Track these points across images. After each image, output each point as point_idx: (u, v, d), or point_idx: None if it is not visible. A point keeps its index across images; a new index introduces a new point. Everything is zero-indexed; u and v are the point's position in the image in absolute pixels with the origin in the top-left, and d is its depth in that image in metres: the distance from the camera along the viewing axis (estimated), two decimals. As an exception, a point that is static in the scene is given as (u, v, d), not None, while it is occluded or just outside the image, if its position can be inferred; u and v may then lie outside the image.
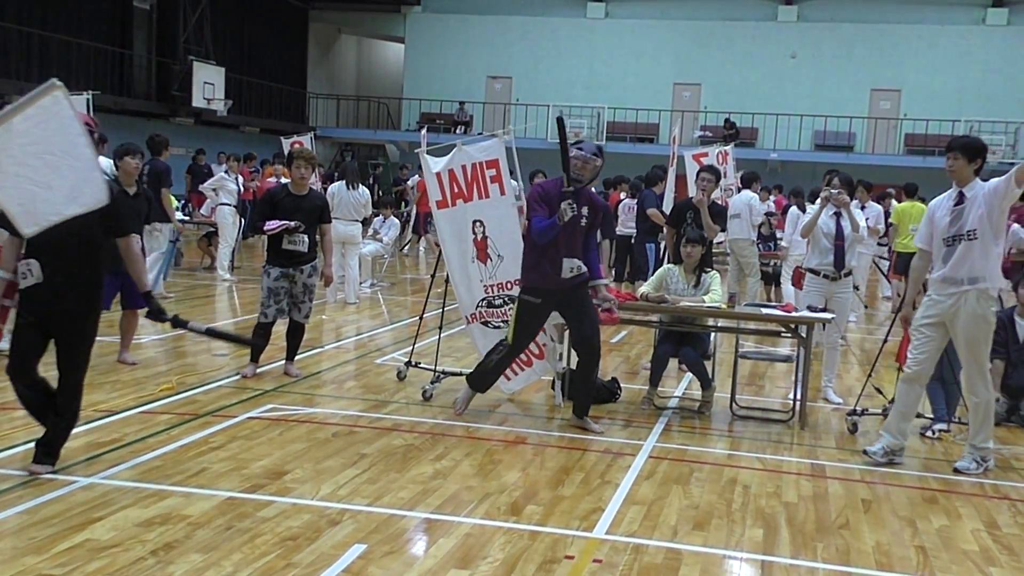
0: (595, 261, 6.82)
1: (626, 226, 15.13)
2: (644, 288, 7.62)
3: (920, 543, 4.94)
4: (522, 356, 7.37)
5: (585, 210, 6.53)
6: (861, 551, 4.79)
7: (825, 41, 30.19)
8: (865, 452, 6.34)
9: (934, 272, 6.21)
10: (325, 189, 12.46)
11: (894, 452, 6.29)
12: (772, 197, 17.81)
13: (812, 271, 8.01)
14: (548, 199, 6.55)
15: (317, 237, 7.95)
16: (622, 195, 15.78)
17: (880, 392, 7.66)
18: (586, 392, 6.86)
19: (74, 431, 5.43)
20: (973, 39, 28.63)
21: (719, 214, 8.60)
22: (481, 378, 6.96)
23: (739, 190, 14.04)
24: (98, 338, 5.47)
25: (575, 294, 6.65)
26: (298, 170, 7.83)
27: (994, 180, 6.00)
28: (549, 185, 6.72)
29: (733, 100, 29.62)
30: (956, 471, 6.14)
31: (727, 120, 27.49)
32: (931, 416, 7.22)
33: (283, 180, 10.20)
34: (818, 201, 8.21)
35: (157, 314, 5.54)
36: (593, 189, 6.91)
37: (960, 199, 6.05)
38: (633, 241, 12.68)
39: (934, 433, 7.06)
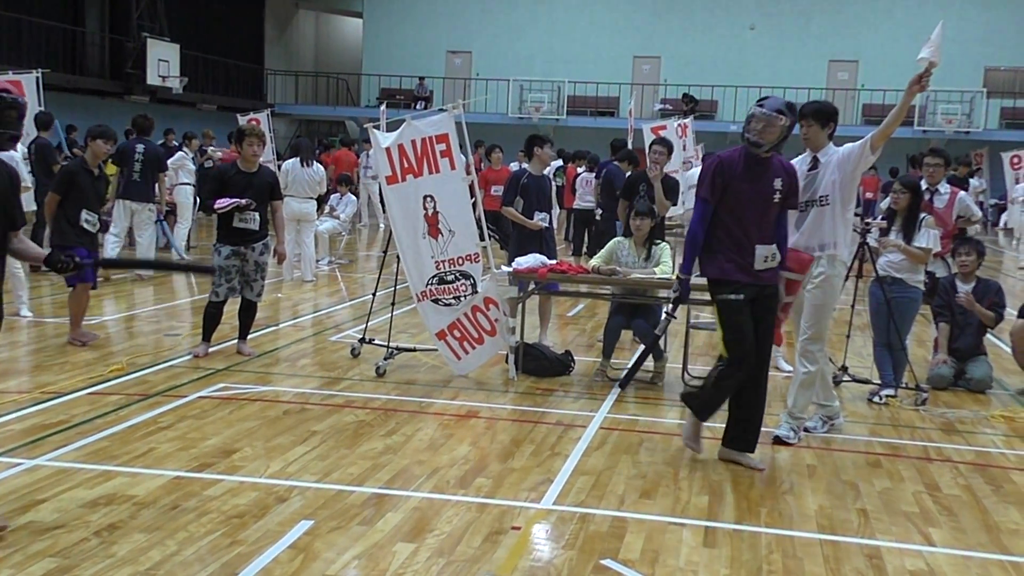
0: (785, 244, 5.66)
1: (584, 200, 15.18)
2: (595, 261, 7.66)
3: (862, 506, 5.03)
4: (473, 334, 7.39)
5: (778, 182, 5.42)
6: (804, 515, 4.87)
7: (783, 12, 30.31)
8: (807, 431, 6.24)
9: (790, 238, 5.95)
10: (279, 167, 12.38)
11: (831, 417, 6.34)
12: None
13: None
14: (727, 178, 5.38)
15: (269, 215, 7.91)
16: (580, 169, 15.80)
17: (830, 360, 7.74)
18: (755, 424, 5.60)
19: (19, 413, 5.38)
20: (929, 9, 28.79)
21: (672, 188, 8.63)
22: (706, 405, 5.61)
23: (701, 162, 14.11)
24: (46, 319, 5.40)
25: (766, 294, 5.49)
26: (250, 147, 7.75)
27: (848, 145, 5.92)
28: (730, 157, 5.48)
29: (692, 72, 29.69)
30: (776, 440, 6.04)
31: (685, 95, 27.56)
32: (879, 382, 7.33)
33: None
34: None
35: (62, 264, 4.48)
36: (782, 153, 5.65)
37: (814, 164, 5.96)
38: (599, 217, 12.65)
39: (881, 398, 7.17)
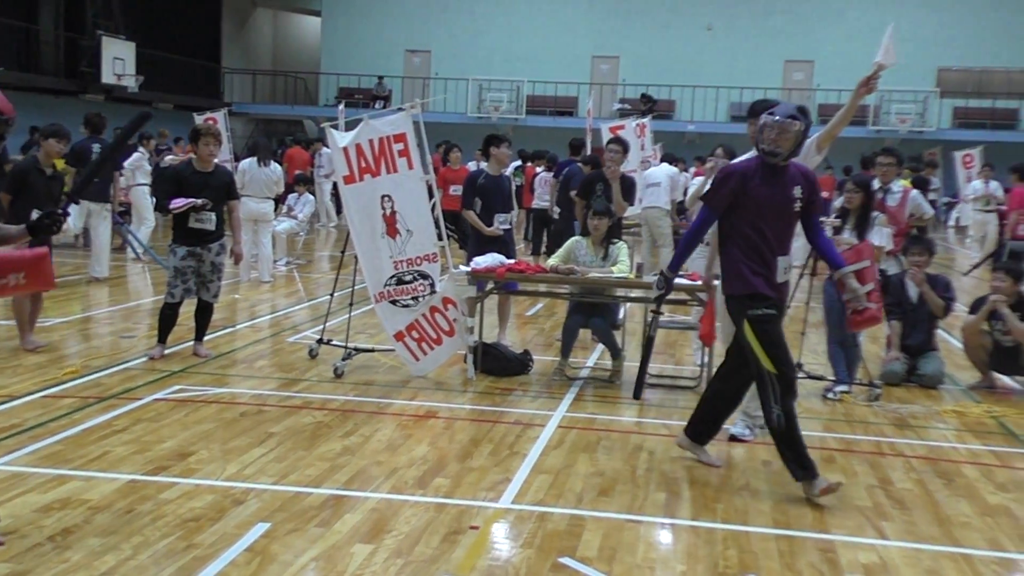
0: (831, 246, 5.60)
1: (543, 199, 15.22)
2: (552, 260, 7.68)
3: (816, 501, 5.10)
4: (432, 334, 7.38)
5: (798, 190, 5.20)
6: (760, 510, 4.93)
7: (740, 13, 30.60)
8: (733, 439, 6.09)
9: None
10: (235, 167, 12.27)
11: (756, 423, 6.15)
12: (692, 168, 18.05)
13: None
14: (740, 190, 5.17)
15: (225, 215, 7.84)
16: (539, 169, 15.83)
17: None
18: (722, 413, 5.67)
19: (-32, 418, 5.29)
20: (882, 10, 29.20)
21: (629, 188, 8.68)
22: (792, 443, 5.19)
23: (660, 162, 14.22)
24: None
25: (782, 308, 5.35)
26: (206, 147, 7.68)
27: None
28: (745, 168, 5.24)
29: (651, 72, 29.87)
30: (732, 438, 6.06)
31: (644, 94, 27.75)
32: (833, 378, 7.43)
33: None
34: (706, 170, 8.32)
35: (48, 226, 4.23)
36: (798, 159, 5.40)
37: None
38: (558, 216, 12.68)
39: (835, 395, 7.27)
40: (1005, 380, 7.98)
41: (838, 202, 8.03)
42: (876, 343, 9.01)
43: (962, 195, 21.61)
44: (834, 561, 4.34)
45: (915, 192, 8.74)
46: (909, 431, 6.57)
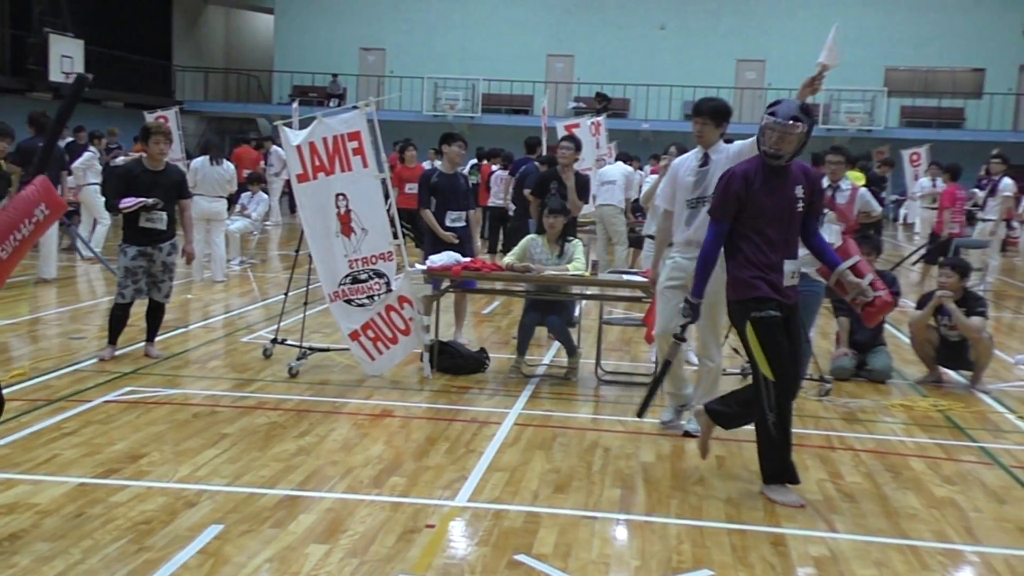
0: (828, 247, 5.45)
1: (498, 197, 15.23)
2: (508, 258, 7.70)
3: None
4: (387, 333, 7.36)
5: (799, 190, 5.06)
6: (713, 505, 4.99)
7: (692, 13, 30.85)
8: (666, 424, 6.23)
9: (677, 234, 6.07)
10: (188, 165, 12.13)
11: (683, 406, 6.29)
12: (647, 167, 18.17)
13: (651, 237, 8.20)
14: (743, 194, 5.02)
15: (177, 214, 7.75)
16: (494, 167, 15.84)
17: (737, 352, 7.93)
18: (777, 450, 5.16)
19: (-88, 422, 5.17)
20: (831, 10, 29.58)
21: (583, 186, 8.72)
22: (732, 418, 5.42)
23: (615, 160, 14.29)
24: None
25: (792, 313, 5.15)
26: (156, 145, 7.60)
27: (738, 143, 5.93)
28: (746, 170, 5.08)
29: (605, 71, 30.02)
30: (687, 434, 6.11)
31: (598, 93, 27.87)
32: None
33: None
34: (660, 168, 8.40)
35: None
36: (801, 158, 5.25)
37: (705, 160, 5.97)
38: (512, 214, 12.70)
39: (787, 390, 7.36)
40: (951, 374, 8.15)
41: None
42: (826, 339, 9.14)
43: (910, 192, 22.00)
44: (785, 554, 4.40)
45: (863, 190, 8.87)
46: (858, 425, 6.68)
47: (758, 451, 5.21)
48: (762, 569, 4.22)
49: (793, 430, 6.35)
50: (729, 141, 6.07)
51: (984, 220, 13.90)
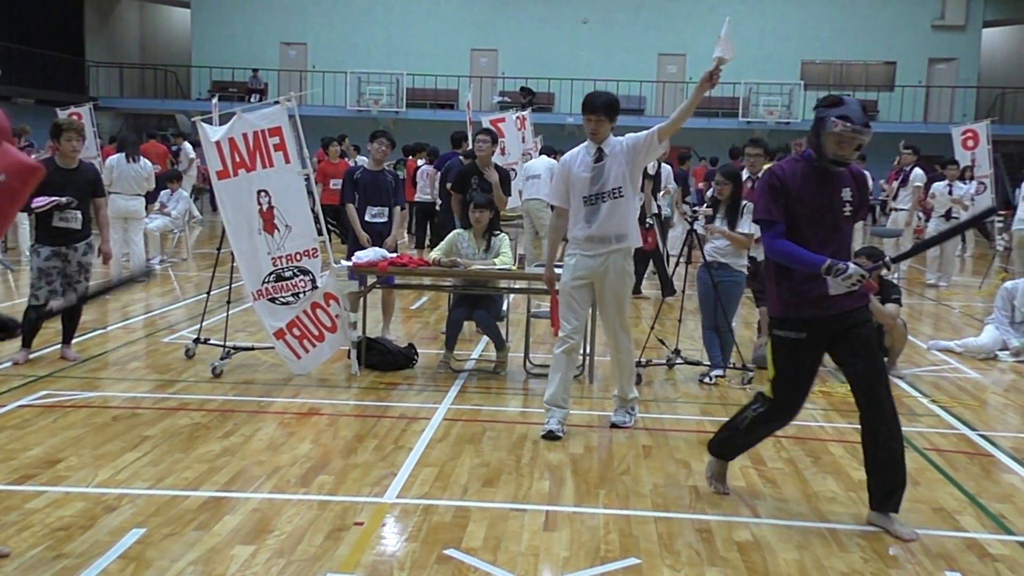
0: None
1: (424, 192, 15.19)
2: (435, 253, 7.68)
3: (694, 483, 5.25)
4: (313, 331, 7.29)
5: (847, 192, 4.60)
6: (640, 494, 5.05)
7: (614, 7, 31.10)
8: (550, 433, 5.92)
9: (575, 231, 5.95)
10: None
11: (563, 421, 6.03)
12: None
13: None
14: (789, 193, 4.56)
15: (92, 213, 7.56)
16: (420, 162, 15.78)
17: (663, 344, 8.05)
18: (891, 474, 4.62)
19: None
20: (749, 5, 30.15)
21: (504, 180, 8.73)
22: (727, 443, 5.09)
23: (540, 154, 14.33)
24: None
25: (851, 320, 4.61)
26: (69, 142, 7.41)
27: (631, 136, 5.91)
28: (786, 170, 4.65)
29: (529, 65, 30.09)
30: (614, 425, 6.15)
31: (523, 87, 27.95)
32: (709, 363, 7.65)
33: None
34: None
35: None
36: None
37: (600, 156, 5.89)
38: (439, 209, 12.64)
39: (711, 379, 7.49)
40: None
41: (710, 192, 8.26)
42: (749, 328, 9.32)
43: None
44: (710, 541, 4.47)
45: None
46: (781, 412, 6.81)
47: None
48: (688, 556, 4.29)
49: (718, 418, 6.46)
50: (619, 134, 6.01)
51: (897, 210, 14.30)
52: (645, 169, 11.37)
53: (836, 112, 4.51)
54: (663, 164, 12.66)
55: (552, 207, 6.35)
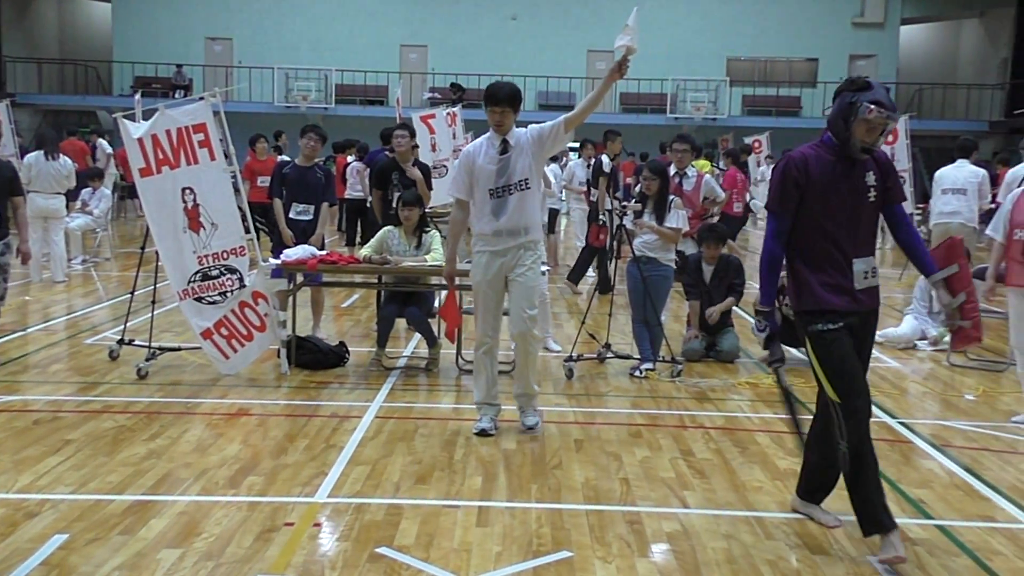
0: (920, 245, 4.52)
1: (355, 189, 15.06)
2: (365, 251, 7.63)
3: (624, 475, 5.31)
4: (242, 330, 7.19)
5: (871, 176, 4.34)
6: (571, 488, 5.09)
7: (542, 3, 31.23)
8: (483, 431, 5.91)
9: (481, 225, 5.86)
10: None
11: (495, 419, 6.04)
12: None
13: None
14: (803, 183, 4.33)
15: (9, 212, 7.33)
16: (349, 158, 15.65)
17: (594, 338, 8.13)
18: (872, 491, 4.30)
19: None
20: (676, 2, 30.53)
21: (425, 176, 8.69)
22: (830, 480, 4.66)
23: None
24: None
25: (867, 319, 4.46)
26: (-17, 140, 7.17)
27: (535, 127, 5.88)
28: (804, 156, 4.36)
29: (459, 61, 30.02)
30: (529, 429, 6.01)
31: (453, 84, 27.88)
32: (639, 357, 7.74)
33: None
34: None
35: None
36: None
37: (505, 148, 5.80)
38: (369, 205, 12.52)
39: (641, 372, 7.58)
40: (792, 352, 8.52)
41: (638, 188, 8.35)
42: (678, 321, 9.45)
43: (752, 178, 22.90)
44: (640, 532, 4.53)
45: (708, 176, 9.23)
46: (708, 404, 6.94)
47: (849, 496, 4.38)
48: (619, 547, 4.34)
49: (648, 411, 6.56)
50: (521, 125, 5.95)
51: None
52: (600, 166, 11.50)
53: (868, 96, 4.19)
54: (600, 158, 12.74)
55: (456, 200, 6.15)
